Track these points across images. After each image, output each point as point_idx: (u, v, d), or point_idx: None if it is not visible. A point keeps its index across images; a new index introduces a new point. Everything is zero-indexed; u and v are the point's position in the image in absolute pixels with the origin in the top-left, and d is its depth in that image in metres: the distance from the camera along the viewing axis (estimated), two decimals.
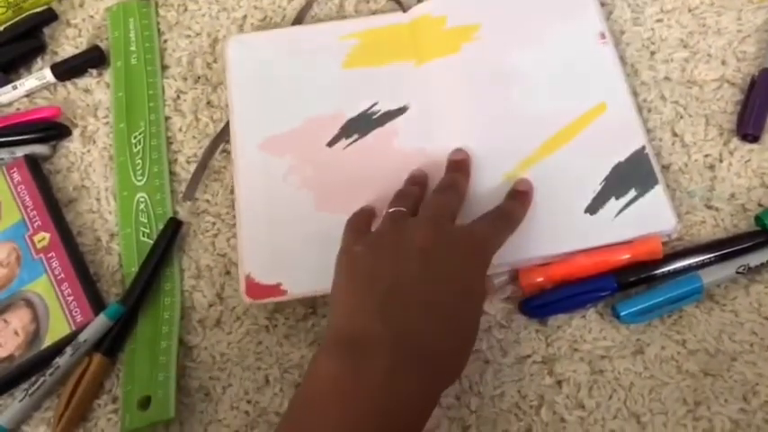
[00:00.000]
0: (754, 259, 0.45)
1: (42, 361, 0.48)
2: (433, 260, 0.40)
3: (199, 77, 0.58)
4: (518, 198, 0.47)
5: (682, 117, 0.51)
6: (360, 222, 0.46)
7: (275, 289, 0.48)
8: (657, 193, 0.47)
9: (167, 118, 0.57)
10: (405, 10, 0.57)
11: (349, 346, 0.38)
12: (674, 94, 0.52)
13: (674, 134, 0.51)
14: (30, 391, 0.47)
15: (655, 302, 0.45)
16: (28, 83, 0.59)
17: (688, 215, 0.49)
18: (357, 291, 0.40)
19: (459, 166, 0.49)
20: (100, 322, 0.48)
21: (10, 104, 0.59)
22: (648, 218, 0.47)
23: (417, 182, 0.49)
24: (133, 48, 0.59)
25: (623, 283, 0.46)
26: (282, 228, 0.50)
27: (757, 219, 0.47)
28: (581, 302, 0.46)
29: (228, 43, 0.57)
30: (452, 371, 0.40)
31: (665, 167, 0.50)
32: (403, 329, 0.38)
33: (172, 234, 0.52)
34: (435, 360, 0.38)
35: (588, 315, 0.47)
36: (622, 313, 0.45)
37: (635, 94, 0.52)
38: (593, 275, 0.46)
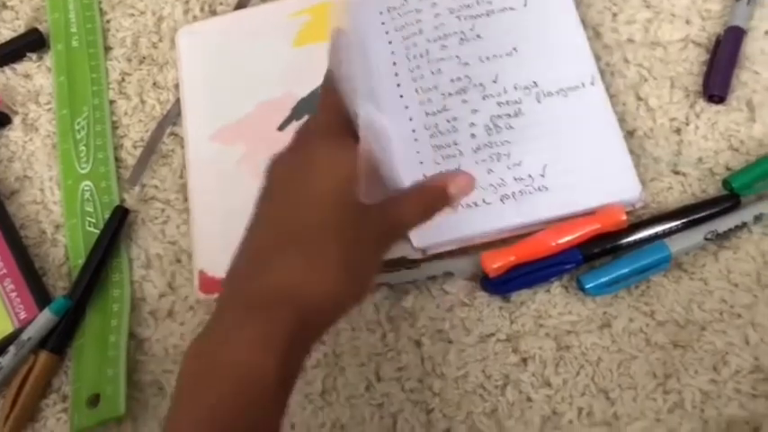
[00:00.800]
0: (722, 224, 0.44)
1: None
2: None
3: (144, 58, 0.55)
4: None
5: (646, 80, 0.49)
6: None
7: None
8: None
9: (112, 101, 0.54)
10: None
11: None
12: (637, 56, 0.50)
13: (639, 98, 0.49)
14: None
15: (621, 273, 0.43)
16: None
17: (653, 182, 0.47)
18: None
19: None
20: (44, 318, 0.46)
21: None
22: None
23: None
24: (74, 29, 0.56)
25: (588, 254, 0.44)
26: (237, 219, 0.47)
27: (725, 182, 0.45)
28: (545, 276, 0.44)
29: (178, 35, 0.54)
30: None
31: (630, 133, 0.48)
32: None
33: (118, 222, 0.49)
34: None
35: (552, 289, 0.45)
36: (587, 285, 0.43)
37: (597, 57, 0.50)
38: (559, 252, 0.44)
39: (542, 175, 0.45)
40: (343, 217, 0.35)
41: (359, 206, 0.35)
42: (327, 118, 0.39)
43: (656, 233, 0.44)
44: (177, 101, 0.53)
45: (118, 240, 0.49)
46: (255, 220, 0.37)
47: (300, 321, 0.33)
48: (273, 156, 0.38)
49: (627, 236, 0.45)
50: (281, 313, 0.33)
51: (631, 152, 0.46)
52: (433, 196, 0.38)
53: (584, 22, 0.51)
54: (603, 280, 0.43)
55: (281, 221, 0.36)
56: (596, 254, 0.45)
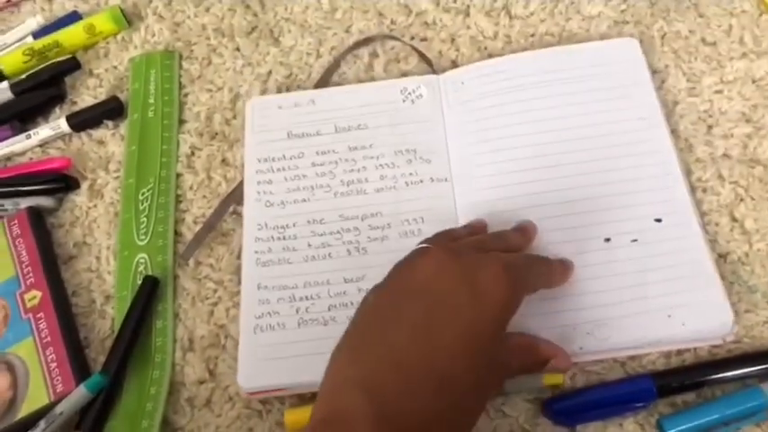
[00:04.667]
0: None
1: None
2: None
3: (216, 134, 0.55)
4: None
5: (742, 200, 0.45)
6: None
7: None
8: None
9: (179, 175, 0.54)
10: (436, 71, 0.53)
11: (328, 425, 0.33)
12: (733, 173, 0.46)
13: (734, 219, 0.45)
14: None
15: (708, 420, 0.38)
16: (42, 132, 0.56)
17: (748, 314, 0.42)
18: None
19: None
20: (79, 394, 0.44)
21: (23, 154, 0.57)
22: None
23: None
24: (152, 100, 0.57)
25: (664, 388, 0.40)
26: None
27: None
28: (616, 411, 0.40)
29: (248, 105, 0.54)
30: None
31: (722, 257, 0.43)
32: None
33: (149, 295, 0.47)
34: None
35: (626, 424, 0.40)
36: (669, 430, 0.38)
37: (689, 172, 0.46)
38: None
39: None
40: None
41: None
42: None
43: (748, 373, 0.40)
44: (242, 181, 0.52)
45: (149, 313, 0.47)
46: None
47: None
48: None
49: (713, 372, 0.40)
50: None
51: (723, 278, 0.42)
52: (537, 360, 0.40)
53: (675, 133, 0.48)
54: (688, 426, 0.38)
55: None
56: (675, 388, 0.40)
